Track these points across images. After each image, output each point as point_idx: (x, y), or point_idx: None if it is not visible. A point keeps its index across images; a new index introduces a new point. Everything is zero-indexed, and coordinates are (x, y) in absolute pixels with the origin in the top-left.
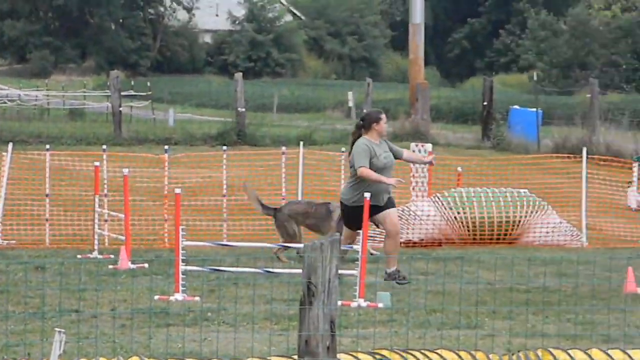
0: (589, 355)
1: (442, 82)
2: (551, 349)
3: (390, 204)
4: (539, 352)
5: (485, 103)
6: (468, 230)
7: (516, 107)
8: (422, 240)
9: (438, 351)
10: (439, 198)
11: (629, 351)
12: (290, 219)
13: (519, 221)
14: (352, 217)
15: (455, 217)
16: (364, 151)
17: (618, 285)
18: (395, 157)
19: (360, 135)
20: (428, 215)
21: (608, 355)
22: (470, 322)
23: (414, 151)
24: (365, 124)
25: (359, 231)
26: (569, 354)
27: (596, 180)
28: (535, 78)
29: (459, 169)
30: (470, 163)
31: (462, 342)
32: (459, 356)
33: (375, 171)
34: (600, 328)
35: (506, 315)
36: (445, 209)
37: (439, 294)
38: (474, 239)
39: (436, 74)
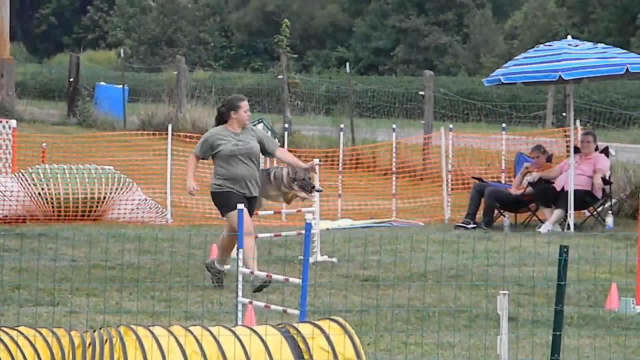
0: (170, 332)
1: (29, 58)
2: (133, 326)
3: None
4: (121, 329)
5: (71, 79)
6: (52, 207)
7: (102, 83)
8: (6, 217)
9: (18, 328)
10: (22, 174)
11: (210, 328)
12: None
13: (104, 198)
14: (219, 204)
15: (39, 194)
16: (204, 140)
17: (200, 262)
18: (265, 152)
19: (223, 122)
20: (12, 192)
21: (188, 330)
22: (53, 299)
23: None
24: (225, 112)
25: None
26: (150, 331)
27: (182, 157)
28: (122, 55)
29: (44, 145)
30: (56, 140)
31: (44, 319)
32: (40, 333)
33: (222, 159)
34: (182, 305)
35: (89, 292)
36: (29, 185)
37: (21, 270)
38: (59, 215)
39: (23, 49)
